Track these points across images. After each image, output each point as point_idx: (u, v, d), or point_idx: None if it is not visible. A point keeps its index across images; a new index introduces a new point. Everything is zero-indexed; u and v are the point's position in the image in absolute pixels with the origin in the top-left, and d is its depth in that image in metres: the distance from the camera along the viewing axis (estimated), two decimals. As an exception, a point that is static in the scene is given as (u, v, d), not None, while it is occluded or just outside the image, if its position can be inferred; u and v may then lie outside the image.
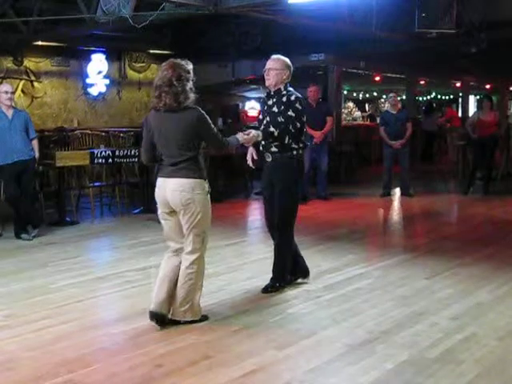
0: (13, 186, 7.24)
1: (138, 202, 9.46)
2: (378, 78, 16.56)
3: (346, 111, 21.34)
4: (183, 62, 4.18)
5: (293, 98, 4.98)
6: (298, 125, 4.94)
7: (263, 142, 5.01)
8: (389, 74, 16.84)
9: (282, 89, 5.03)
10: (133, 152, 8.65)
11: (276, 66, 5.00)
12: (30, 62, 12.40)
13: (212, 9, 8.15)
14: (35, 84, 12.49)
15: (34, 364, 3.69)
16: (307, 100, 9.46)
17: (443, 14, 9.12)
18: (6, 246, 6.98)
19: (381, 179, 10.86)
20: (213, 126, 4.25)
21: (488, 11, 9.99)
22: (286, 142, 4.92)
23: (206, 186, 4.22)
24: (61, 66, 12.92)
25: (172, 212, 4.23)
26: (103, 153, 8.53)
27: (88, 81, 13.22)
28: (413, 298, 4.98)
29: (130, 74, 14.19)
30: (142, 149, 4.46)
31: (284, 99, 4.98)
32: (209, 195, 4.26)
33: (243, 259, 6.34)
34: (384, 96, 23.72)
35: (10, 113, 7.24)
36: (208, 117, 4.21)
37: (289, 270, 5.23)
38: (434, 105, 20.52)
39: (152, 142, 4.29)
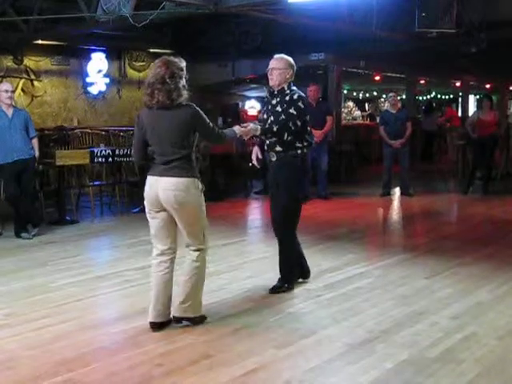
0: (13, 185, 7.24)
1: (138, 201, 9.41)
2: (377, 78, 16.56)
3: (345, 111, 21.35)
4: (176, 60, 4.15)
5: (296, 96, 4.98)
6: (299, 123, 4.93)
7: (267, 142, 5.01)
8: (389, 74, 16.84)
9: (286, 88, 5.03)
10: (133, 151, 8.64)
11: (279, 65, 5.00)
12: (30, 61, 12.40)
13: (212, 8, 8.15)
14: (35, 83, 12.49)
15: (33, 363, 3.69)
16: (307, 99, 9.45)
17: (443, 14, 9.12)
18: (6, 245, 6.98)
19: (381, 179, 10.86)
20: (208, 120, 4.23)
21: (488, 11, 10.00)
22: (286, 138, 4.91)
23: (200, 184, 4.19)
24: (61, 64, 12.92)
25: (161, 211, 4.17)
26: (103, 152, 8.54)
27: (88, 80, 13.22)
28: (413, 297, 4.98)
29: (130, 72, 14.19)
30: (133, 148, 4.40)
31: (287, 98, 4.98)
32: (202, 193, 4.23)
33: (243, 258, 6.34)
34: (384, 95, 23.73)
35: (10, 112, 7.24)
36: (202, 112, 4.19)
37: (295, 270, 5.23)
38: (434, 104, 20.52)
39: (144, 140, 4.24)
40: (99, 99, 13.59)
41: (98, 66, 13.22)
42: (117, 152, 8.64)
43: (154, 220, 4.24)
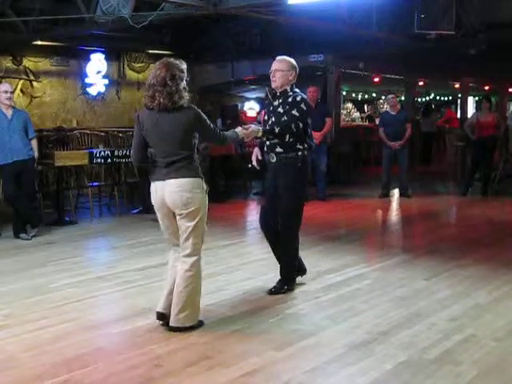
0: (12, 186, 7.24)
1: (137, 202, 9.45)
2: (377, 79, 16.56)
3: (344, 112, 21.33)
4: (177, 62, 4.14)
5: (299, 98, 4.97)
6: (301, 125, 4.92)
7: (268, 143, 5.01)
8: (388, 75, 16.84)
9: (288, 90, 5.02)
10: (132, 152, 8.64)
11: (282, 67, 5.00)
12: (29, 62, 12.39)
13: (212, 9, 8.16)
14: (34, 84, 12.47)
15: (33, 364, 3.69)
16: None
17: (443, 16, 9.12)
18: (5, 246, 6.98)
19: (379, 180, 10.87)
20: (209, 122, 4.24)
21: (487, 13, 10.01)
22: (287, 140, 4.92)
23: (204, 184, 4.20)
24: (60, 65, 12.90)
25: (170, 215, 4.19)
26: (102, 153, 8.54)
27: (87, 80, 13.19)
28: (411, 298, 4.99)
29: (129, 73, 14.17)
30: (132, 148, 4.36)
31: (290, 100, 4.98)
32: (206, 195, 4.24)
33: (242, 259, 6.34)
34: (383, 97, 23.73)
35: (9, 112, 7.24)
36: (204, 114, 4.19)
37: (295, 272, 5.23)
38: (433, 106, 20.52)
39: (144, 141, 4.23)
40: (98, 100, 13.57)
41: (97, 66, 13.20)
42: (116, 153, 8.64)
43: (164, 220, 4.27)
